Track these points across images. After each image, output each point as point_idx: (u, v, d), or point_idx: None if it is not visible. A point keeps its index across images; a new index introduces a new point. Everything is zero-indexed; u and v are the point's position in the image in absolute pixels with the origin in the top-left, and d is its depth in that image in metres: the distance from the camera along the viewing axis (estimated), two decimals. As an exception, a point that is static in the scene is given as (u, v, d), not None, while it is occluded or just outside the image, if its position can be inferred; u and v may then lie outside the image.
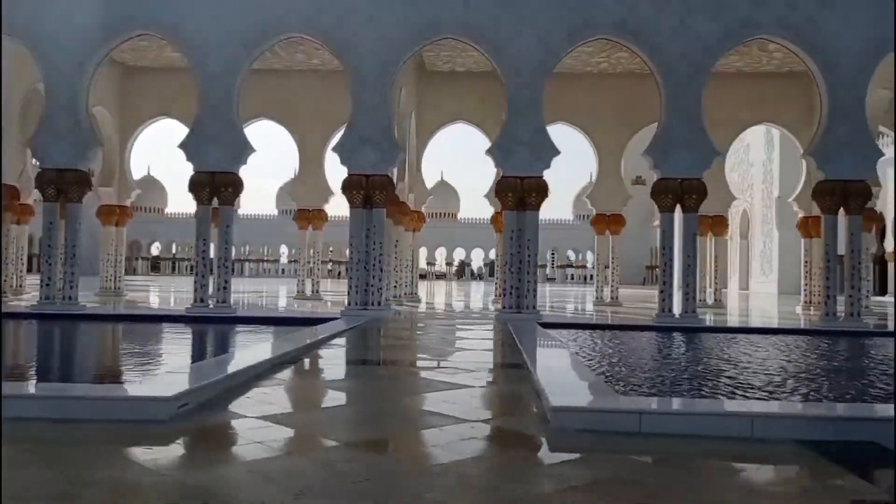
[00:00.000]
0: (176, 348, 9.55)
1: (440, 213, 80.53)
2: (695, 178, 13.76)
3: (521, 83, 14.01)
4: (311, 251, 22.50)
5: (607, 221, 21.40)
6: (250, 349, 8.85)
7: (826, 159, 13.63)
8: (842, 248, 13.80)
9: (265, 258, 76.36)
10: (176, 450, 4.17)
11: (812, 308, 19.39)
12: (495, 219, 21.34)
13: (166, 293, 27.09)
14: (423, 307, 19.62)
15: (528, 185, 14.01)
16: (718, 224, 21.31)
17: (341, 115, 14.74)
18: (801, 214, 20.07)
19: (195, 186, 13.97)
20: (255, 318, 13.89)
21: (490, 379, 7.11)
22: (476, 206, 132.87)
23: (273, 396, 5.91)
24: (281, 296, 25.78)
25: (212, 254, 14.00)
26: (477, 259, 78.93)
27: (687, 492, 3.59)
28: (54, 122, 14.07)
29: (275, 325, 12.59)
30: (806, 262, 19.83)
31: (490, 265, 73.99)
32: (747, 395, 5.97)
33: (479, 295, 32.53)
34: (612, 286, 21.70)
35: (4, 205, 17.44)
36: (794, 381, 7.01)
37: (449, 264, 78.29)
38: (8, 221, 18.23)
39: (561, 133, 21.48)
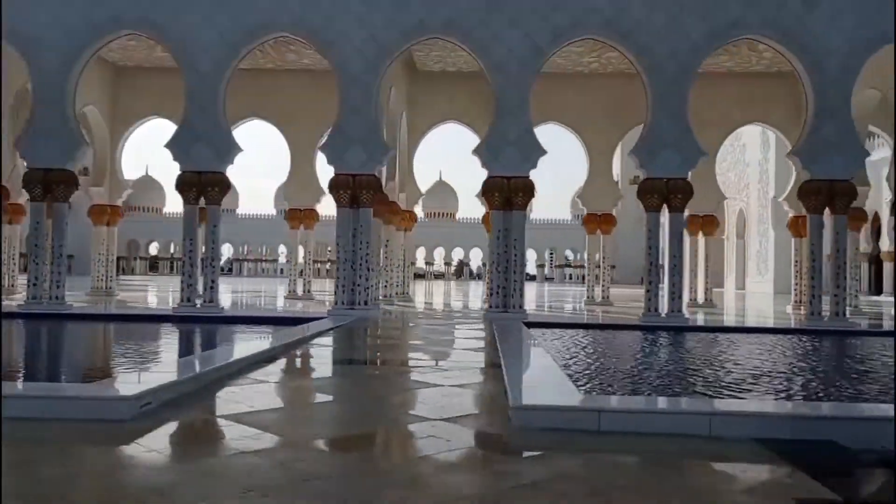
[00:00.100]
0: (153, 348, 9.56)
1: (439, 213, 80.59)
2: (680, 177, 13.78)
3: (508, 83, 14.03)
4: (303, 251, 22.50)
5: (598, 221, 21.42)
6: (226, 348, 8.87)
7: (812, 159, 13.64)
8: (829, 248, 13.81)
9: (264, 258, 76.38)
10: (130, 449, 4.18)
11: (802, 308, 19.37)
12: (486, 219, 21.33)
13: (159, 293, 27.12)
14: (414, 307, 19.64)
15: (515, 185, 14.03)
16: (709, 224, 21.33)
17: (332, 115, 14.75)
18: (791, 214, 20.08)
19: (182, 186, 13.99)
20: (241, 318, 13.90)
21: (462, 378, 7.13)
22: (475, 206, 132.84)
23: (241, 395, 5.92)
24: (274, 295, 25.79)
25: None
26: (476, 259, 78.97)
27: (632, 489, 3.61)
28: (41, 122, 14.09)
29: (260, 325, 12.61)
30: (796, 261, 19.83)
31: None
32: (718, 393, 5.99)
33: (475, 295, 32.53)
34: (603, 285, 21.71)
35: (4, 206, 17.47)
36: (767, 379, 7.03)
37: (447, 264, 78.33)
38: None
39: (558, 133, 21.54)
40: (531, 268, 78.75)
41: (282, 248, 76.46)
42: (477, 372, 7.36)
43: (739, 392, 6.11)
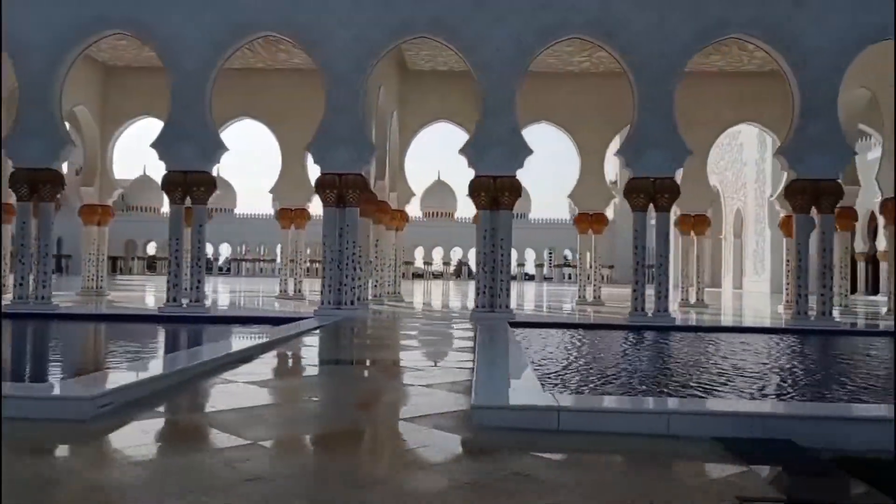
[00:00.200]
0: (130, 348, 9.52)
1: (437, 213, 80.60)
2: (667, 177, 13.76)
3: (494, 82, 14.01)
4: (293, 250, 22.50)
5: (590, 221, 21.41)
6: (199, 349, 8.85)
7: (798, 158, 13.62)
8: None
9: (262, 258, 76.39)
10: (81, 449, 4.17)
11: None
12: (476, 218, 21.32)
13: (151, 293, 27.11)
14: (404, 307, 19.62)
15: (502, 185, 14.01)
16: (700, 223, 21.30)
17: (322, 114, 14.71)
18: (782, 214, 20.05)
19: (168, 185, 13.99)
20: (227, 318, 13.90)
21: (433, 378, 7.11)
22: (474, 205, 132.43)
23: (206, 396, 5.92)
24: (266, 295, 25.78)
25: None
26: (474, 259, 78.85)
27: (577, 488, 3.58)
28: (27, 121, 14.09)
29: (245, 325, 12.59)
30: (788, 260, 19.78)
31: (486, 265, 73.90)
32: (689, 392, 5.97)
33: (471, 294, 32.46)
34: (594, 285, 21.69)
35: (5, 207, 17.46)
36: (742, 379, 7.01)
37: (446, 264, 78.30)
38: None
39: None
40: (530, 267, 78.83)
41: (280, 248, 76.60)
42: (448, 372, 7.34)
43: (709, 391, 6.09)
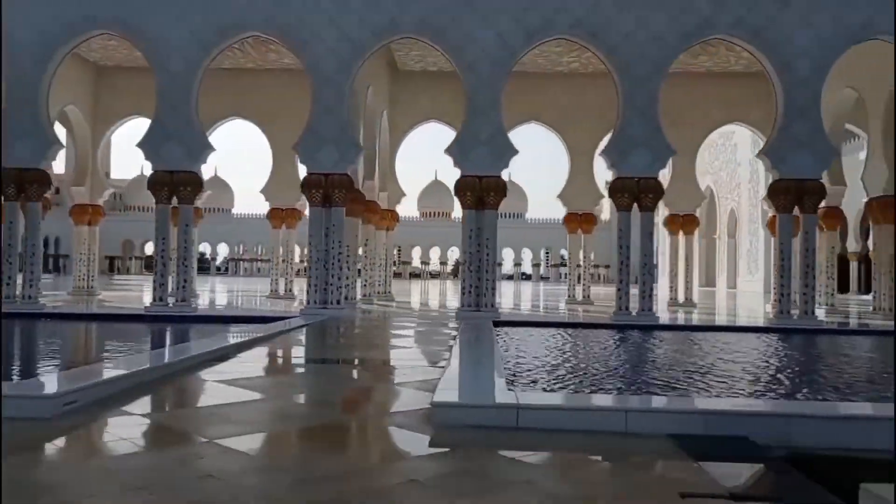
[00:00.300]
0: (111, 347, 9.57)
1: (434, 213, 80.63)
2: (651, 177, 13.81)
3: (480, 83, 14.07)
4: (284, 250, 22.55)
5: (579, 220, 21.46)
6: (175, 347, 8.90)
7: (781, 158, 13.67)
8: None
9: (259, 258, 76.42)
10: (39, 447, 4.22)
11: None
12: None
13: (145, 293, 27.12)
14: (394, 306, 19.66)
15: (487, 185, 14.06)
16: (689, 223, 21.36)
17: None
18: (770, 213, 20.10)
19: (154, 185, 14.04)
20: (212, 317, 13.94)
21: (406, 377, 7.17)
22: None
23: (174, 394, 5.97)
24: (259, 295, 25.81)
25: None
26: (471, 258, 78.68)
27: (522, 486, 3.63)
28: (14, 121, 14.12)
29: (230, 324, 12.62)
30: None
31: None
32: (663, 390, 6.01)
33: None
34: (584, 284, 21.74)
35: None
36: (713, 377, 7.06)
37: (443, 263, 78.36)
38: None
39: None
40: (527, 267, 78.91)
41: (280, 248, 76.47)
42: (420, 370, 7.39)
43: (675, 388, 6.14)
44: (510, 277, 76.55)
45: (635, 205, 13.91)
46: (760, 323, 15.15)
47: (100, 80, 21.01)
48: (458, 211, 79.67)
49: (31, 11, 14.14)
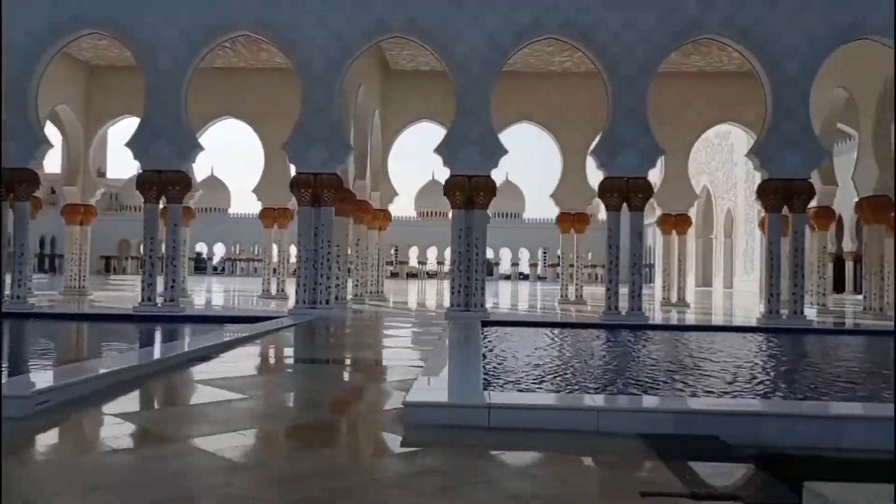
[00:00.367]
0: (94, 346, 9.57)
1: (432, 213, 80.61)
2: (640, 177, 13.81)
3: (469, 82, 14.05)
4: (278, 249, 22.53)
5: (572, 220, 21.47)
6: (155, 347, 8.89)
7: (769, 158, 13.68)
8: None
9: (255, 258, 76.36)
10: (7, 446, 4.21)
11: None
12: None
13: (136, 292, 27.08)
14: (386, 306, 19.66)
15: (476, 185, 14.05)
16: (682, 222, 21.37)
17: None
18: (763, 213, 20.11)
19: (142, 185, 14.01)
20: (200, 317, 13.92)
21: (386, 376, 7.17)
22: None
23: (151, 394, 5.96)
24: (251, 295, 25.79)
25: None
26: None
27: (484, 485, 3.62)
28: (3, 121, 14.08)
29: (218, 324, 12.60)
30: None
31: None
32: (639, 389, 6.01)
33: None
34: (577, 284, 21.74)
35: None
36: (693, 377, 7.06)
37: (440, 263, 78.35)
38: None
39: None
40: (524, 267, 78.92)
41: (275, 248, 76.41)
42: (400, 370, 7.38)
43: (652, 387, 6.15)
44: (507, 277, 76.58)
45: (625, 205, 13.95)
46: (750, 323, 15.16)
47: (92, 79, 20.99)
48: (454, 211, 80.00)
49: (19, 11, 14.10)
